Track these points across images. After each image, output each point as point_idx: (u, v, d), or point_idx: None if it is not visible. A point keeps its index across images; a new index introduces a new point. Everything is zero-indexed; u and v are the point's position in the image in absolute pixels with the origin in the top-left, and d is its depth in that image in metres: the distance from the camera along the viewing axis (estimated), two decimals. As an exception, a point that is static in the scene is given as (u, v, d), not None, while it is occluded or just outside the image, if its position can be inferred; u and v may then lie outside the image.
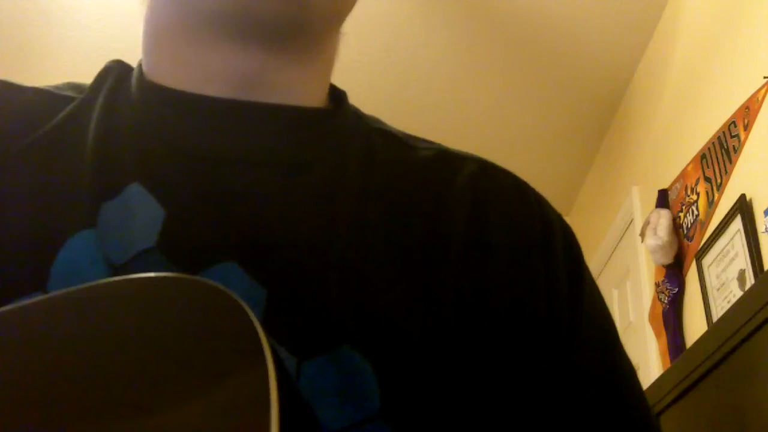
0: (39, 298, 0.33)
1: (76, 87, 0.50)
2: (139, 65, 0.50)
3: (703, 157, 2.04)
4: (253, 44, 0.45)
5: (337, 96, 0.53)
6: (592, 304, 0.50)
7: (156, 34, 0.49)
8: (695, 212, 2.06)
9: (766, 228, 1.64)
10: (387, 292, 0.43)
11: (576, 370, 0.47)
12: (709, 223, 1.97)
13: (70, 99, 0.48)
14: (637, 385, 0.50)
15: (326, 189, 0.46)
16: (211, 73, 0.46)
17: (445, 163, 0.51)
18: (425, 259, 0.45)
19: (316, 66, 0.50)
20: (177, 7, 0.47)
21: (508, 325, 0.45)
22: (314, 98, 0.50)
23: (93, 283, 0.33)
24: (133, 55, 0.51)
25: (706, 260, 1.95)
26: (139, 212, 0.42)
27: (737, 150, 1.83)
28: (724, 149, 1.90)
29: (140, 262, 0.40)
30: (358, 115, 0.53)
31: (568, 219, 0.60)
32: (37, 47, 2.53)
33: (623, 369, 0.50)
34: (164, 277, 0.33)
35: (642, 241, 2.37)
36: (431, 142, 0.54)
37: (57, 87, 0.50)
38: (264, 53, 0.46)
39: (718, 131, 1.94)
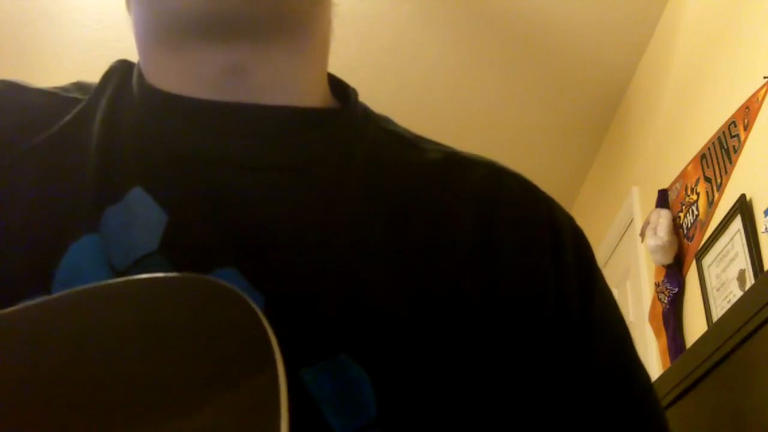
0: (46, 297, 0.33)
1: (82, 87, 0.50)
2: (139, 65, 0.50)
3: (703, 157, 2.03)
4: (231, 40, 0.45)
5: (345, 94, 0.52)
6: (605, 310, 0.49)
7: (142, 42, 0.49)
8: (695, 212, 2.06)
9: (766, 228, 1.64)
10: (385, 299, 0.42)
11: (589, 378, 0.46)
12: (709, 223, 1.96)
13: (76, 101, 0.48)
14: (652, 392, 0.49)
15: (326, 191, 0.45)
16: (198, 74, 0.46)
17: (453, 167, 0.50)
18: (427, 264, 0.44)
19: (305, 55, 0.48)
20: (149, 15, 0.47)
21: (516, 332, 0.44)
22: (312, 95, 0.49)
23: (100, 283, 0.33)
24: (133, 54, 0.51)
25: (706, 260, 1.95)
26: (142, 216, 0.42)
27: (737, 150, 1.82)
28: (724, 149, 1.90)
29: (142, 266, 0.40)
30: (367, 115, 0.52)
31: (568, 219, 0.59)
32: (38, 47, 2.52)
33: (638, 377, 0.49)
34: (173, 277, 0.33)
35: (642, 241, 2.37)
36: (442, 145, 0.53)
37: (64, 88, 0.50)
38: (246, 46, 0.45)
39: (718, 131, 1.94)
